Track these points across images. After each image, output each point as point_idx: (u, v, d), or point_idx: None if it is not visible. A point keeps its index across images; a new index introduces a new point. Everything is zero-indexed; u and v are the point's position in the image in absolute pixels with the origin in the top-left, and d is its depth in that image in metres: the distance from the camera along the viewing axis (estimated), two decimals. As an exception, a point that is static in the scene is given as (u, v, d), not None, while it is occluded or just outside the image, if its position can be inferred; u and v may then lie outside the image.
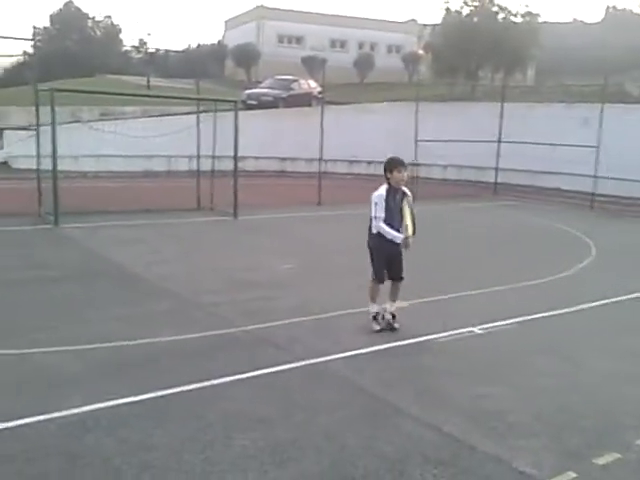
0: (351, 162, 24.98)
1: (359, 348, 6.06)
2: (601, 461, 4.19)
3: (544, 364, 5.96)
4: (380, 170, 21.10)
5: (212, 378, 5.21)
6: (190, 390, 5.00)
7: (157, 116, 25.46)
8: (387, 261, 6.58)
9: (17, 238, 10.83)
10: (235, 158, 14.17)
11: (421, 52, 37.20)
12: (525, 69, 30.94)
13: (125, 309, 7.05)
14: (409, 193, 6.59)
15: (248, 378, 5.30)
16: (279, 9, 45.45)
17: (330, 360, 5.75)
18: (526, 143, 19.74)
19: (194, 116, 24.16)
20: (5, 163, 21.46)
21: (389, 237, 6.42)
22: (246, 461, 4.03)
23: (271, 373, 5.43)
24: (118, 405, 4.70)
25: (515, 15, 29.41)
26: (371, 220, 6.51)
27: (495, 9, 29.33)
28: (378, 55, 45.72)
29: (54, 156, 11.66)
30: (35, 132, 12.66)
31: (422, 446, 4.29)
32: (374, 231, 6.50)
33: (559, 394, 5.28)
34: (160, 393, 4.91)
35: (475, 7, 29.30)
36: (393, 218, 6.45)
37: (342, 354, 5.90)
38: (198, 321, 6.73)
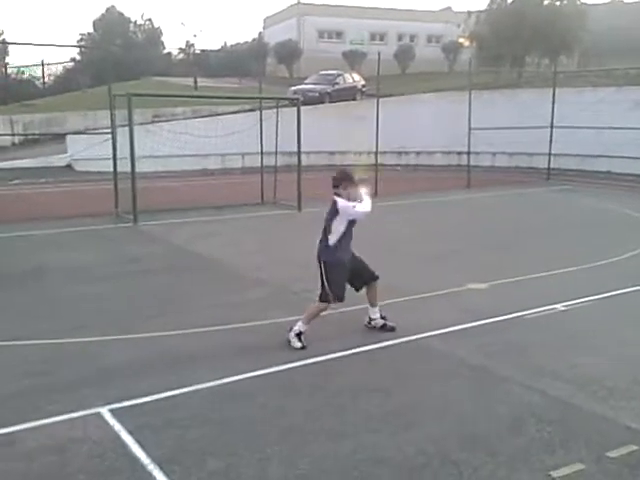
0: (399, 153, 25.26)
1: (452, 325, 6.46)
2: (702, 418, 4.54)
3: (630, 335, 6.30)
4: (430, 160, 21.47)
5: (326, 353, 5.69)
6: (310, 364, 5.49)
7: (209, 116, 26.09)
8: (352, 271, 6.06)
9: (103, 236, 11.52)
10: (299, 153, 14.66)
11: (461, 41, 37.08)
12: (572, 53, 30.74)
13: (225, 296, 7.60)
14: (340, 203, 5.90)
15: (357, 353, 5.77)
16: (318, 4, 45.78)
17: (427, 337, 6.17)
18: (578, 128, 19.77)
19: (242, 115, 25.00)
20: (69, 166, 22.36)
21: (362, 209, 5.87)
22: (375, 424, 4.48)
23: (377, 349, 5.88)
24: (247, 378, 5.21)
25: (560, 0, 29.29)
26: (325, 233, 5.99)
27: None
28: (418, 46, 45.71)
29: (132, 158, 12.29)
30: (110, 135, 13.25)
31: (533, 408, 4.68)
32: (331, 243, 5.93)
33: (651, 362, 5.62)
34: (283, 367, 5.42)
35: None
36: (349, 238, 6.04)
37: (437, 331, 6.32)
38: (297, 305, 7.17)
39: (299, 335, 5.91)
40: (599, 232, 12.07)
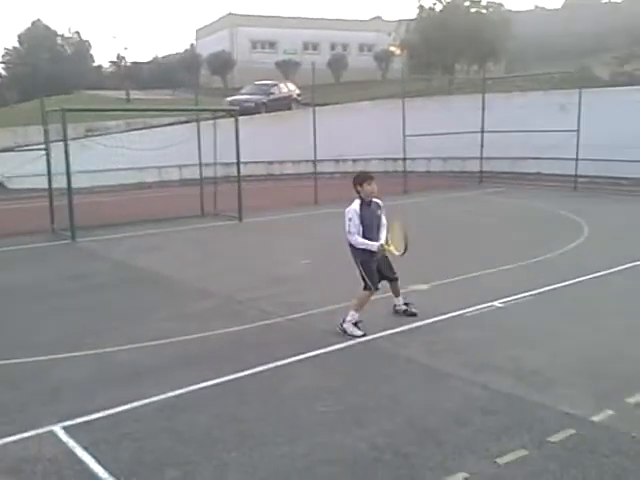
0: (337, 161, 25.59)
1: (395, 327, 6.67)
2: (633, 400, 4.85)
3: (566, 328, 6.64)
4: (367, 167, 21.84)
5: (275, 360, 5.78)
6: (260, 371, 5.57)
7: (144, 128, 25.75)
8: (377, 268, 6.66)
9: (41, 253, 11.28)
10: (238, 164, 14.72)
11: (393, 49, 37.86)
12: (499, 60, 31.87)
13: (173, 309, 7.59)
14: (381, 203, 6.75)
15: (306, 358, 5.88)
16: (251, 15, 45.93)
17: (374, 338, 6.36)
18: (508, 132, 20.53)
19: (178, 126, 24.82)
20: (0, 184, 21.70)
21: (364, 247, 6.49)
22: (330, 424, 4.61)
23: (324, 353, 6.01)
24: (199, 389, 5.25)
25: (486, 8, 30.35)
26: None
27: (467, 3, 30.22)
28: (350, 55, 46.43)
29: (68, 173, 12.07)
30: (45, 151, 12.99)
31: (478, 401, 4.91)
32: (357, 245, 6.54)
33: (585, 351, 5.97)
34: (233, 376, 5.48)
35: (449, 3, 30.13)
36: (372, 229, 6.55)
37: (381, 333, 6.50)
38: (243, 314, 7.29)
39: (356, 324, 6.41)
40: (531, 231, 12.60)
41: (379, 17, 56.15)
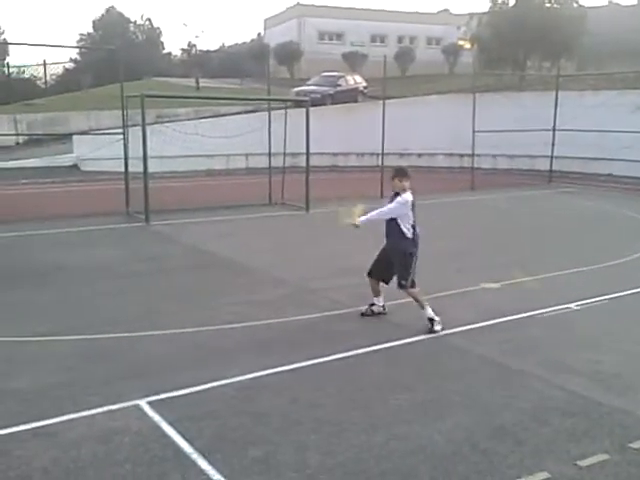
0: (401, 155, 25.43)
1: (469, 323, 6.66)
2: None
3: (643, 334, 6.50)
4: (432, 162, 21.72)
5: (348, 350, 5.87)
6: (334, 360, 5.67)
7: (214, 116, 26.28)
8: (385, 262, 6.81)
9: (117, 235, 11.69)
10: (307, 154, 14.83)
11: (462, 43, 37.32)
12: (573, 57, 31.02)
13: (245, 294, 7.77)
14: (400, 196, 6.61)
15: (379, 350, 5.95)
16: (318, 6, 45.98)
17: (447, 334, 6.36)
18: (580, 131, 20.01)
19: (245, 116, 25.19)
20: (74, 166, 22.48)
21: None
22: (405, 415, 4.66)
23: (397, 346, 6.06)
24: (276, 373, 5.39)
25: (560, 3, 29.58)
26: (402, 226, 6.57)
27: (542, -2, 29.58)
28: (418, 48, 45.97)
29: (145, 158, 12.44)
30: (122, 136, 13.39)
31: (555, 402, 4.88)
32: (409, 235, 6.57)
33: (665, 359, 5.83)
34: (308, 363, 5.60)
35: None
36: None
37: (455, 329, 6.50)
38: (315, 303, 7.41)
39: (432, 320, 6.42)
40: (604, 234, 12.29)
41: (447, 10, 55.35)
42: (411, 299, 6.64)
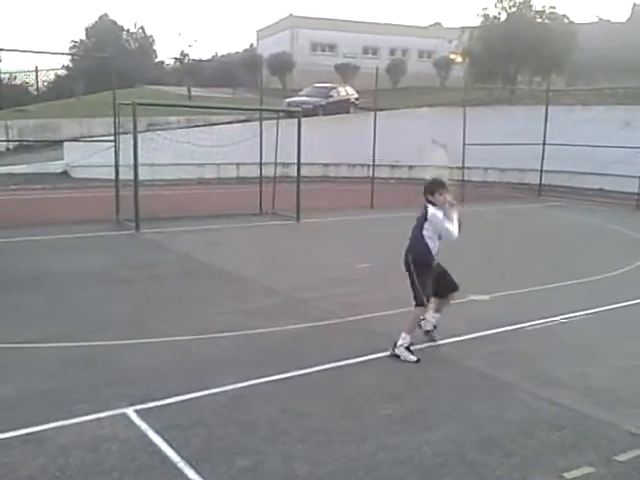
0: (393, 167, 25.59)
1: (458, 335, 6.68)
2: None
3: (630, 348, 6.55)
4: (422, 174, 21.70)
5: (338, 360, 5.88)
6: (324, 370, 5.68)
7: (205, 125, 26.27)
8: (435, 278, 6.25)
9: (107, 242, 11.66)
10: (298, 164, 14.88)
11: (454, 56, 37.61)
12: (563, 72, 31.36)
13: (236, 303, 7.77)
14: (427, 210, 6.15)
15: (369, 360, 5.96)
16: (312, 17, 46.26)
17: (435, 346, 6.39)
18: (569, 145, 20.19)
19: (237, 125, 25.25)
20: (65, 173, 22.42)
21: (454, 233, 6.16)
22: (394, 426, 4.67)
23: (387, 356, 6.06)
24: (266, 382, 5.38)
25: (551, 19, 29.94)
26: (419, 236, 6.17)
27: (533, 13, 29.88)
28: (409, 60, 46.32)
29: (135, 165, 12.45)
30: (113, 143, 13.39)
31: (543, 414, 4.90)
32: (419, 246, 6.15)
33: (651, 372, 5.87)
34: (298, 372, 5.59)
35: (514, 12, 29.83)
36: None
37: (444, 340, 6.52)
38: (305, 313, 7.41)
39: (408, 348, 6.00)
40: (592, 248, 12.39)
41: (439, 24, 55.85)
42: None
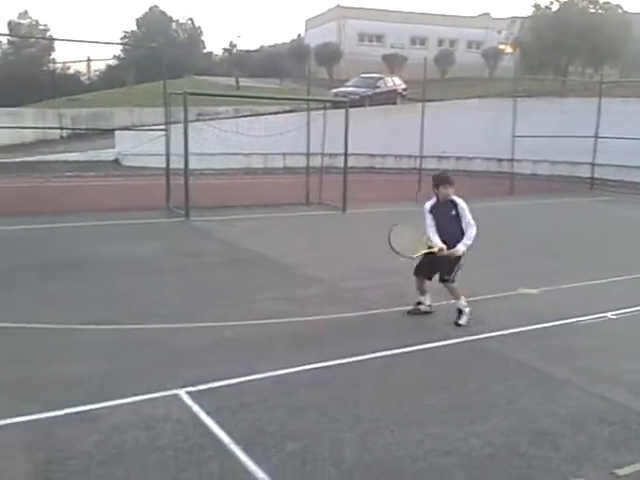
0: (440, 158, 25.34)
1: (507, 328, 6.63)
2: None
3: (685, 346, 6.39)
4: (470, 165, 21.65)
5: (384, 349, 5.89)
6: (370, 359, 5.71)
7: (253, 115, 26.56)
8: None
9: (158, 229, 11.92)
10: (345, 155, 14.89)
11: (503, 47, 37.00)
12: (617, 63, 30.54)
13: (283, 291, 7.86)
14: (459, 202, 6.82)
15: (415, 351, 5.96)
16: (359, 8, 46.07)
17: (484, 338, 6.34)
18: (624, 139, 19.68)
19: (284, 115, 25.36)
20: (116, 161, 22.92)
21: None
22: (440, 416, 4.67)
23: (434, 347, 6.07)
24: (313, 369, 5.44)
25: (604, 9, 29.18)
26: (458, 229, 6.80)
27: (586, 3, 29.15)
28: (457, 51, 45.75)
29: (186, 155, 12.67)
30: (164, 132, 13.61)
31: (593, 410, 4.84)
32: (473, 235, 6.79)
33: None
34: (345, 360, 5.63)
35: (566, 1, 29.16)
36: (443, 228, 6.78)
37: (493, 333, 6.48)
38: (351, 302, 7.46)
39: (461, 312, 6.70)
40: (645, 243, 12.08)
41: (488, 14, 54.92)
42: (448, 297, 6.82)
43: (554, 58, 28.87)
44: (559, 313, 7.20)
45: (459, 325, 6.61)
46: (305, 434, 4.35)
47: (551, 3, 29.70)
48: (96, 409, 4.61)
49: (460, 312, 6.69)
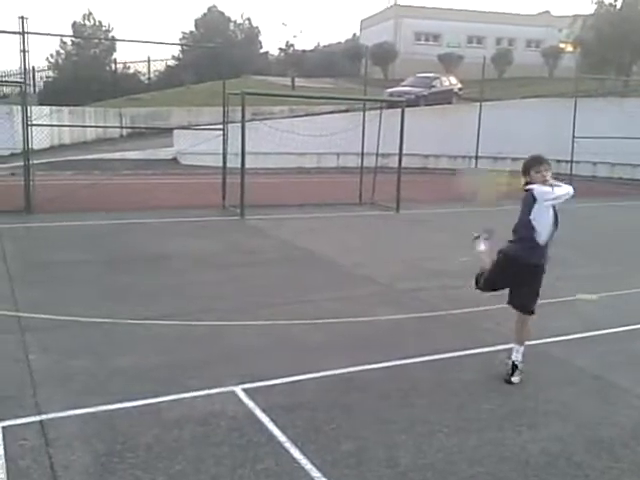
0: (495, 159, 24.94)
1: (567, 334, 6.50)
2: None
3: None
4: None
5: (440, 352, 5.86)
6: (426, 361, 5.68)
7: (307, 115, 26.71)
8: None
9: (214, 227, 12.15)
10: (400, 155, 14.84)
11: (563, 46, 36.13)
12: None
13: (337, 291, 7.90)
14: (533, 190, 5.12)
15: (472, 354, 5.90)
16: (416, 6, 45.73)
17: (544, 343, 6.21)
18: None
19: (338, 115, 25.39)
20: (174, 159, 23.39)
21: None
22: (499, 422, 4.62)
23: (494, 351, 5.98)
24: (369, 369, 5.45)
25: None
26: (526, 233, 5.23)
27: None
28: (516, 50, 44.90)
29: (243, 154, 12.85)
30: (222, 132, 13.83)
31: (657, 420, 4.70)
32: (541, 242, 5.28)
33: None
34: (401, 362, 5.62)
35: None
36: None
37: (553, 338, 6.35)
38: (405, 304, 7.43)
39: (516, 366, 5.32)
40: None
41: (548, 12, 53.67)
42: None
43: (616, 57, 28.06)
44: (620, 320, 7.02)
45: (511, 383, 5.25)
46: (360, 435, 4.37)
47: (615, 0, 28.89)
48: (156, 403, 4.72)
49: (515, 367, 5.30)
